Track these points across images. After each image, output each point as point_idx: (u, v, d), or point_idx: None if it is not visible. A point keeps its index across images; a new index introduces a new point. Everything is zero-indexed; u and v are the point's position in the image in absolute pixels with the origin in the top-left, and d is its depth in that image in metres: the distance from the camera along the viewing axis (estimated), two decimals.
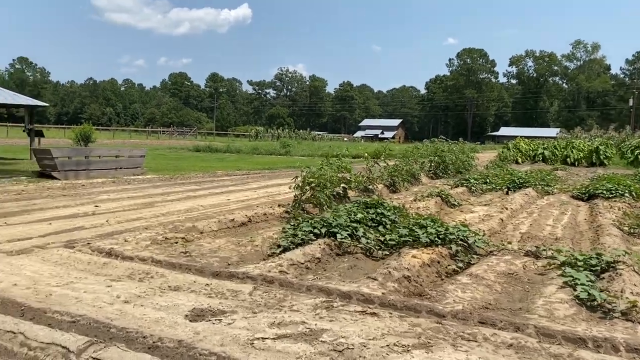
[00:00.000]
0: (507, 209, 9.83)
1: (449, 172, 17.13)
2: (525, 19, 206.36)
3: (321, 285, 4.79)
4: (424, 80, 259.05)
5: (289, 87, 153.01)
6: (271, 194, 12.15)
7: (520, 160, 29.82)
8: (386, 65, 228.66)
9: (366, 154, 14.40)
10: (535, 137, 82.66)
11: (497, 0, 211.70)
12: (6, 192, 10.92)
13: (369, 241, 6.50)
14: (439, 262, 5.87)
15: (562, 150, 28.63)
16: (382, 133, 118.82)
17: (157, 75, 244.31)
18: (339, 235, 6.41)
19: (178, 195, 11.40)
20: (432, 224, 6.78)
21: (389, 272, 5.16)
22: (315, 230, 6.48)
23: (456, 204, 10.81)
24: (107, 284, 4.77)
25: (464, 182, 13.11)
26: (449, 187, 13.65)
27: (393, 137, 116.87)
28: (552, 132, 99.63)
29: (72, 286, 4.67)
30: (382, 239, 6.65)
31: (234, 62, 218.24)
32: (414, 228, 6.64)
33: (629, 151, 27.67)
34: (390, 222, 7.31)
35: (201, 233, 7.18)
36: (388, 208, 7.69)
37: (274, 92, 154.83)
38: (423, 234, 6.41)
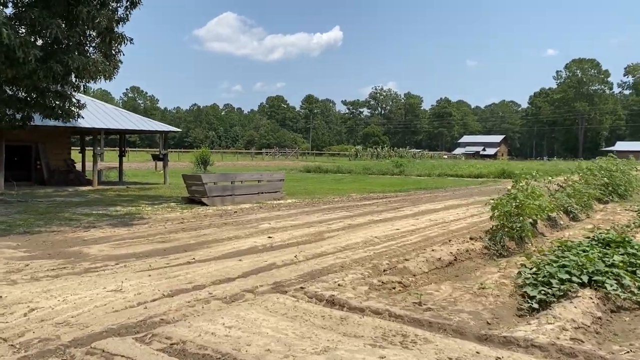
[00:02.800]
0: None
1: (619, 195, 15.02)
2: (637, 25, 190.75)
3: None
4: (523, 93, 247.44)
5: (384, 105, 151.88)
6: (437, 222, 11.00)
7: None
8: (482, 80, 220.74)
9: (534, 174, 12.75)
10: None
11: (600, 8, 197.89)
12: (168, 221, 10.69)
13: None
14: None
15: None
16: (484, 150, 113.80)
17: (254, 99, 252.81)
18: (608, 286, 5.11)
19: (338, 223, 10.59)
20: None
21: None
22: (574, 278, 5.23)
23: None
24: (374, 352, 3.84)
25: None
26: (636, 214, 11.76)
27: (495, 154, 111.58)
28: None
29: (334, 355, 3.79)
30: None
31: (326, 84, 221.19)
32: None
33: None
34: None
35: (414, 276, 6.19)
36: (638, 247, 6.25)
37: (368, 110, 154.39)
38: None
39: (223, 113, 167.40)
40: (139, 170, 33.92)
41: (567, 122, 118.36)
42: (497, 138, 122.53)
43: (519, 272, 5.90)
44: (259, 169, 36.17)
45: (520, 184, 8.88)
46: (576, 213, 11.30)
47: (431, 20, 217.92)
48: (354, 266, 6.81)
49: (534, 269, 5.74)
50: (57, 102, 12.89)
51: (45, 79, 10.64)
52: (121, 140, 23.52)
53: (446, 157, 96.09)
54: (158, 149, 71.33)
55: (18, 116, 13.44)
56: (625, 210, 12.70)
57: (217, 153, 67.60)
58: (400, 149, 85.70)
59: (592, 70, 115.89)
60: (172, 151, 69.14)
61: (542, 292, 5.15)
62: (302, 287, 5.56)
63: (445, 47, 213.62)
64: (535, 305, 4.98)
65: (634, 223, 9.40)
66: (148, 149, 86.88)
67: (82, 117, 14.64)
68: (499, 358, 3.76)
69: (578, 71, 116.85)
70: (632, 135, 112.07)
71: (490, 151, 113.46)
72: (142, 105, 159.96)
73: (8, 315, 4.64)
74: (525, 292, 5.33)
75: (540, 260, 6.02)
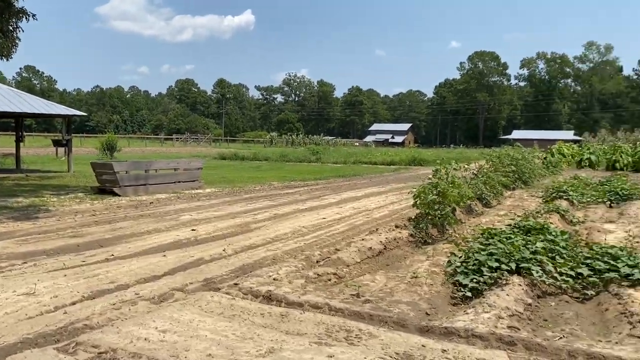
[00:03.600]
0: None
1: (523, 182, 16.03)
2: (534, 21, 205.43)
3: (585, 350, 3.74)
4: (429, 84, 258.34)
5: (297, 92, 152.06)
6: (360, 210, 11.11)
7: (564, 166, 28.70)
8: (391, 69, 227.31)
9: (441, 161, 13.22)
10: (549, 140, 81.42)
11: (501, 3, 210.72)
12: (78, 213, 9.92)
13: (565, 278, 5.44)
14: None
15: (611, 155, 27.51)
16: (392, 137, 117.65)
17: (162, 81, 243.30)
18: (534, 272, 5.36)
19: (264, 213, 10.37)
20: (621, 253, 5.76)
21: None
22: (503, 266, 5.43)
23: (576, 221, 9.75)
24: (320, 350, 3.73)
25: (562, 193, 12.03)
26: (541, 199, 12.61)
27: (403, 142, 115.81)
28: (565, 134, 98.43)
29: (280, 356, 3.63)
30: (571, 273, 5.59)
31: (239, 68, 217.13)
32: (606, 260, 5.62)
33: None
34: (564, 251, 6.24)
35: (348, 266, 6.16)
36: (555, 234, 6.63)
37: (282, 97, 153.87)
38: (624, 266, 5.40)
39: (128, 96, 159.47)
40: (37, 156, 31.33)
41: (469, 112, 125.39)
42: (405, 126, 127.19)
43: (449, 261, 6.04)
44: (171, 156, 34.87)
45: (441, 173, 9.14)
46: (489, 200, 11.88)
47: (342, 8, 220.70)
48: (287, 258, 6.66)
49: (464, 257, 5.91)
50: None
51: None
52: (18, 124, 21.54)
53: (357, 144, 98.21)
54: (57, 134, 66.31)
55: None
56: (532, 196, 13.57)
57: (124, 138, 64.13)
58: (315, 136, 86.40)
59: (492, 63, 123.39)
60: (74, 136, 64.80)
61: (474, 280, 5.30)
62: (235, 284, 5.32)
63: (356, 35, 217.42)
64: (469, 294, 5.11)
65: (543, 209, 10.01)
66: (46, 134, 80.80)
67: None
68: (445, 350, 3.79)
69: (479, 63, 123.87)
70: (526, 124, 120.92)
71: (399, 139, 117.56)
72: (38, 86, 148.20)
73: None
74: (457, 280, 5.45)
75: (468, 249, 6.20)
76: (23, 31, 11.58)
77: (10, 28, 11.18)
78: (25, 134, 33.03)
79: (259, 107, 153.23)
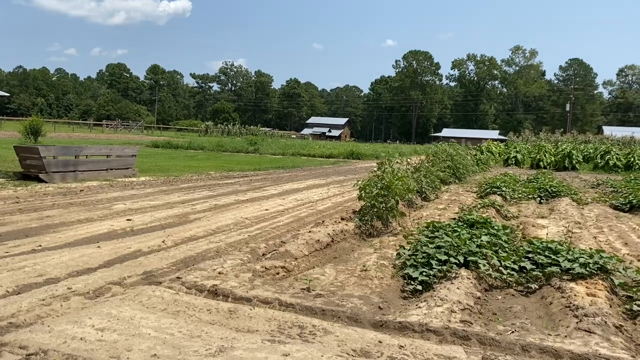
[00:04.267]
0: (579, 223, 9.19)
1: (457, 177, 16.48)
2: (466, 23, 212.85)
3: (538, 345, 3.78)
4: (365, 80, 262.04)
5: (234, 81, 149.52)
6: (304, 202, 10.95)
7: (492, 163, 29.92)
8: (328, 64, 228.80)
9: (389, 154, 13.32)
10: (476, 138, 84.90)
11: (436, 3, 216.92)
12: (5, 200, 9.12)
13: (510, 272, 5.54)
14: (611, 300, 5.02)
15: (536, 154, 28.94)
16: (330, 131, 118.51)
17: (91, 65, 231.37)
18: (481, 266, 5.42)
19: (203, 204, 9.98)
20: (561, 248, 5.96)
21: (597, 319, 4.24)
22: (451, 259, 5.46)
23: (511, 216, 10.10)
24: (275, 349, 3.54)
25: (495, 189, 12.43)
26: (475, 195, 13.00)
27: (339, 136, 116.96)
28: (491, 134, 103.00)
29: (232, 355, 3.41)
30: (515, 267, 5.71)
31: (174, 55, 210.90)
32: (547, 254, 5.80)
33: (598, 156, 28.36)
34: (506, 245, 6.38)
35: (296, 259, 5.99)
36: (497, 228, 6.77)
37: (218, 86, 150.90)
38: (564, 261, 5.58)
39: (55, 78, 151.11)
40: None
41: (403, 109, 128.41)
42: (342, 120, 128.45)
43: (398, 253, 6.02)
44: (101, 143, 33.26)
45: (386, 166, 9.15)
46: (428, 194, 12.08)
47: (281, 0, 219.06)
48: (231, 251, 6.39)
49: (412, 250, 5.89)
50: None
51: None
52: None
53: (294, 136, 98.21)
54: None
55: None
56: (467, 191, 13.96)
57: (49, 123, 60.46)
58: (252, 126, 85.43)
59: (426, 62, 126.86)
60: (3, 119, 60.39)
61: (424, 273, 5.28)
62: (178, 277, 5.02)
63: (294, 28, 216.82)
64: (419, 287, 5.08)
65: (479, 204, 10.28)
66: None
67: None
68: (402, 347, 3.71)
69: (414, 62, 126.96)
70: (456, 123, 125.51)
71: (336, 132, 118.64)
72: None
73: None
74: (407, 273, 5.42)
75: (416, 241, 6.20)
76: None
77: None
78: None
79: (193, 96, 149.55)
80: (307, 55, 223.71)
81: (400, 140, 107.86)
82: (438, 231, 6.61)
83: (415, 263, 5.54)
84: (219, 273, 5.25)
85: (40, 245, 6.09)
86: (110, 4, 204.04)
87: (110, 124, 69.51)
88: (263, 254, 6.33)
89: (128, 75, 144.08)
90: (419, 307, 4.51)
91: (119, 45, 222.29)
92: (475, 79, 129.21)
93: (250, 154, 31.45)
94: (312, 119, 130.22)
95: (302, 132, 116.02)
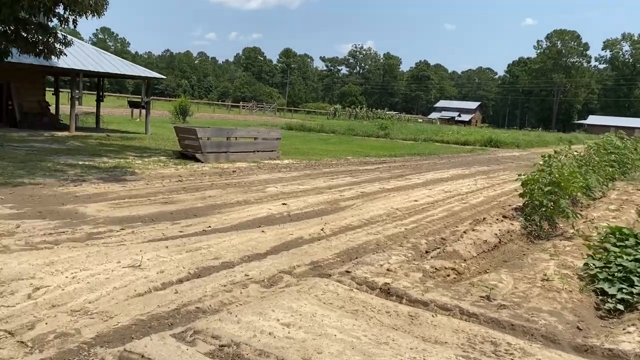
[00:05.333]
0: None
1: (622, 173, 14.65)
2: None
3: None
4: (500, 61, 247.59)
5: (362, 64, 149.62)
6: (452, 194, 10.39)
7: None
8: (459, 45, 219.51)
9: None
10: (628, 127, 75.85)
11: None
12: (165, 178, 9.77)
13: None
14: None
15: None
16: (459, 115, 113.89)
17: (228, 48, 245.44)
18: None
19: (350, 191, 9.86)
20: None
21: None
22: None
23: None
24: None
25: None
26: None
27: (470, 121, 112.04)
28: None
29: None
30: None
31: (305, 38, 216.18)
32: None
33: None
34: None
35: (465, 260, 5.55)
36: None
37: (347, 69, 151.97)
38: None
39: (197, 62, 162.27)
40: (113, 116, 32.13)
41: (542, 93, 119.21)
42: (473, 104, 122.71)
43: (586, 264, 5.32)
44: (240, 124, 35.00)
45: (553, 159, 8.27)
46: (593, 191, 10.82)
47: None
48: (391, 245, 6.13)
49: (604, 261, 5.17)
50: (39, 37, 11.47)
51: (31, 9, 9.31)
52: (99, 84, 21.97)
53: (421, 120, 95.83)
54: (128, 95, 67.87)
55: None
56: (638, 190, 12.35)
57: (192, 103, 65.27)
58: (379, 110, 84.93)
59: (572, 43, 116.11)
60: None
61: (624, 290, 4.57)
62: (347, 271, 4.85)
63: (424, 8, 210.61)
64: (620, 307, 4.40)
65: None
66: (118, 94, 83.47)
67: (65, 55, 13.18)
68: None
69: (558, 42, 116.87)
70: (603, 110, 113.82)
71: (466, 117, 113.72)
72: (112, 47, 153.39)
73: (8, 295, 3.78)
74: (600, 288, 4.75)
75: (602, 250, 5.45)
76: None
77: None
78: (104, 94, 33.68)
79: (322, 79, 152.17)
80: (437, 37, 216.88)
81: (538, 126, 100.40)
82: (628, 239, 5.76)
83: (609, 277, 4.83)
84: (387, 270, 5.00)
85: (209, 227, 6.31)
86: None
87: (246, 106, 73.26)
88: (426, 251, 5.98)
89: (262, 58, 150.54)
90: (628, 332, 3.87)
91: (254, 30, 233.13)
92: (631, 61, 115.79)
93: (381, 139, 31.10)
94: (441, 103, 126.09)
95: (429, 117, 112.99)
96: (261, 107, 74.64)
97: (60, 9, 10.40)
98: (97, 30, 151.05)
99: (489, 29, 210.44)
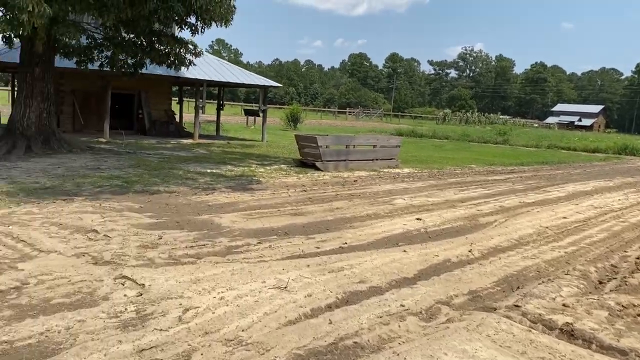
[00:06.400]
0: None
1: None
2: None
3: None
4: (627, 61, 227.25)
5: (473, 67, 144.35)
6: (604, 210, 9.17)
7: None
8: (579, 44, 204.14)
9: None
10: None
11: None
12: (289, 187, 9.61)
13: None
14: None
15: None
16: (580, 120, 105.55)
17: (334, 56, 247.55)
18: None
19: (485, 204, 9.05)
20: None
21: None
22: None
23: None
24: None
25: None
26: None
27: (592, 126, 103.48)
28: None
29: None
30: None
31: (412, 42, 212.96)
32: None
33: None
34: None
35: None
36: None
37: (456, 72, 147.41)
38: None
39: (304, 69, 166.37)
40: (229, 124, 33.36)
41: None
42: (595, 108, 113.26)
43: None
44: (349, 130, 34.90)
45: None
46: None
47: None
48: (555, 272, 5.33)
49: None
50: (172, 48, 11.94)
51: (166, 20, 9.64)
52: (220, 93, 22.83)
53: (537, 125, 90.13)
54: (241, 103, 70.55)
55: (130, 62, 12.70)
56: None
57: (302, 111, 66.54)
58: (491, 114, 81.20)
59: None
60: (256, 106, 68.96)
61: None
62: (516, 305, 4.19)
63: (538, 7, 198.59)
64: None
65: None
66: (231, 103, 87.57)
67: (194, 65, 13.68)
68: None
69: None
70: None
71: (587, 122, 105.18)
72: (226, 58, 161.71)
73: (160, 317, 3.60)
74: None
75: None
76: None
77: None
78: (211, 102, 35.20)
79: (429, 83, 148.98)
80: (554, 36, 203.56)
81: None
82: None
83: None
84: (564, 305, 4.27)
85: (345, 243, 5.91)
86: None
87: (353, 112, 73.37)
88: (599, 282, 5.12)
89: (367, 64, 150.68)
90: None
91: (360, 36, 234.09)
92: None
93: (500, 145, 29.33)
94: (559, 106, 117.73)
95: (545, 121, 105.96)
96: (367, 112, 74.42)
97: (192, 19, 10.69)
98: (212, 42, 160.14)
99: (612, 26, 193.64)
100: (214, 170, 10.96)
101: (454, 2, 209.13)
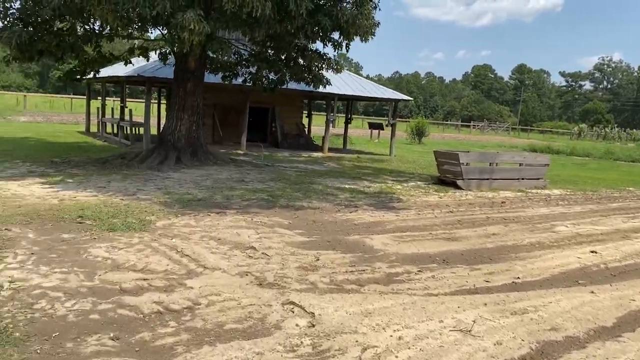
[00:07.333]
0: None
1: None
2: None
3: None
4: None
5: (611, 79, 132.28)
6: None
7: None
8: None
9: None
10: None
11: None
12: (434, 207, 9.06)
13: None
14: None
15: None
16: None
17: (455, 68, 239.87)
18: None
19: None
20: None
21: None
22: None
23: None
24: None
25: None
26: None
27: None
28: None
29: None
30: None
31: (541, 53, 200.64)
32: None
33: None
34: None
35: None
36: None
37: (591, 84, 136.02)
38: None
39: (424, 82, 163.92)
40: (352, 137, 33.43)
41: None
42: None
43: None
44: (474, 145, 33.33)
45: None
46: None
47: None
48: None
49: None
50: (315, 64, 12.00)
51: (312, 35, 9.64)
52: (349, 106, 22.84)
53: None
54: (360, 116, 70.81)
55: (272, 78, 12.99)
56: None
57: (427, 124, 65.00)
58: (634, 130, 73.55)
59: None
60: (368, 119, 68.65)
61: None
62: None
63: None
64: None
65: None
66: (352, 116, 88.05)
67: (330, 85, 13.66)
68: None
69: None
70: None
71: None
72: (346, 71, 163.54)
73: (339, 355, 3.30)
74: None
75: None
76: (380, 9, 11.26)
77: (370, 7, 10.79)
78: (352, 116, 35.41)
79: (560, 95, 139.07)
80: None
81: None
82: None
83: None
84: None
85: (518, 278, 5.27)
86: (479, 6, 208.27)
87: (477, 125, 70.36)
88: None
89: (492, 76, 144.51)
90: None
91: (483, 47, 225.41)
92: None
93: None
94: None
95: None
96: (493, 126, 71.00)
97: (335, 34, 10.60)
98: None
99: None
100: (352, 186, 10.73)
101: (588, 10, 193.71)
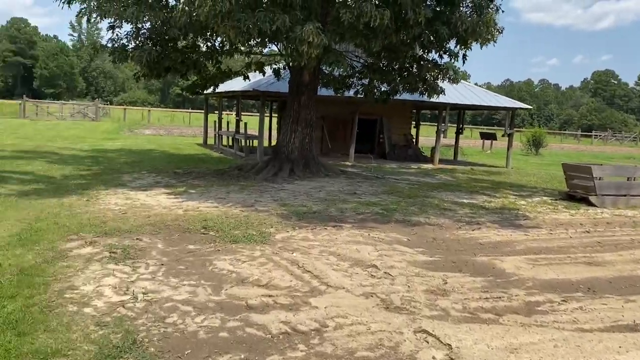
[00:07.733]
0: None
1: None
2: None
3: None
4: None
5: None
6: None
7: None
8: None
9: None
10: None
11: None
12: (568, 226, 8.24)
13: None
14: None
15: None
16: None
17: (572, 74, 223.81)
18: None
19: None
20: None
21: None
22: None
23: None
24: None
25: None
26: None
27: None
28: None
29: None
30: None
31: None
32: None
33: None
34: None
35: None
36: None
37: None
38: None
39: (537, 89, 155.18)
40: (462, 148, 32.17)
41: None
42: None
43: None
44: (598, 157, 30.62)
45: None
46: None
47: None
48: None
49: None
50: (432, 74, 11.59)
51: (430, 45, 9.26)
52: (460, 116, 21.98)
53: None
54: (469, 126, 68.47)
55: (384, 89, 12.76)
56: None
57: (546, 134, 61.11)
58: None
59: None
60: (477, 128, 65.79)
61: None
62: None
63: None
64: None
65: None
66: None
67: (444, 93, 13.09)
68: None
69: None
70: None
71: None
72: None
73: None
74: None
75: None
76: (503, 11, 10.58)
77: (491, 10, 10.13)
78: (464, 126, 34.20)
79: None
80: None
81: None
82: None
83: None
84: None
85: None
86: (599, 8, 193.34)
87: (600, 135, 64.86)
88: None
89: (615, 82, 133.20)
90: None
91: (604, 51, 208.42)
92: None
93: None
94: None
95: None
96: (617, 136, 65.08)
97: (451, 43, 10.12)
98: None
99: None
100: (470, 201, 10.13)
101: None
